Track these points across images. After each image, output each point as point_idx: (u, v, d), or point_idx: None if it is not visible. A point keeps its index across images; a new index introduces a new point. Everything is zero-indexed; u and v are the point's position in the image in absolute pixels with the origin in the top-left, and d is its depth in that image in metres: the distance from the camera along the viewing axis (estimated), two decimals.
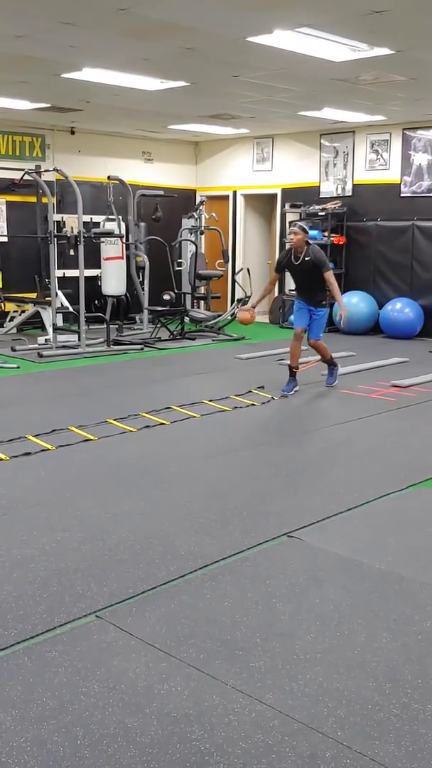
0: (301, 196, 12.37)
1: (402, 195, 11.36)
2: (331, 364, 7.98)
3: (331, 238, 11.66)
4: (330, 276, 7.47)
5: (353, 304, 11.41)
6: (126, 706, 2.61)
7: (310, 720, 2.54)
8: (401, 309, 11.06)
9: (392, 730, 2.49)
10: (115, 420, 6.31)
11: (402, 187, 11.35)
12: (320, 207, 11.80)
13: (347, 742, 2.43)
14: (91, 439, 5.79)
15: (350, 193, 11.95)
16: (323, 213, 11.70)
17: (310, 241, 7.58)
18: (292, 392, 7.47)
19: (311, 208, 11.92)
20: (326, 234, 11.67)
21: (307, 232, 7.54)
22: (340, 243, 11.82)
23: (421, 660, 2.90)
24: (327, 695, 2.68)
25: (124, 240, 11.23)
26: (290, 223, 8.61)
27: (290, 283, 12.74)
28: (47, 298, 10.47)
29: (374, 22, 5.72)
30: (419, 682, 2.76)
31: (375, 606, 3.32)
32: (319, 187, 12.33)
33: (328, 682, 2.76)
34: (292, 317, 12.28)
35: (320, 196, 12.22)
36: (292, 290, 12.56)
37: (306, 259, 7.46)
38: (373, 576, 3.61)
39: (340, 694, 2.68)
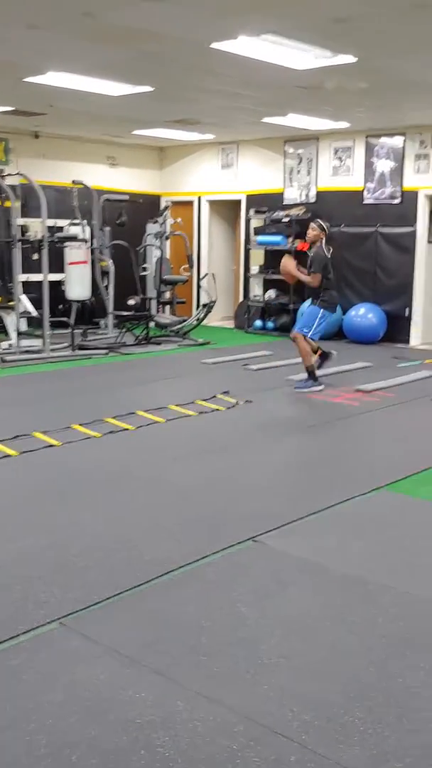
0: (265, 202, 12.43)
1: (365, 202, 11.48)
2: (310, 375, 7.97)
3: (296, 244, 11.72)
4: (313, 276, 7.91)
5: None
6: (90, 714, 2.59)
7: (274, 724, 2.54)
8: (365, 314, 11.16)
9: (356, 734, 2.50)
10: (79, 425, 6.26)
11: (365, 193, 11.47)
12: (284, 213, 11.87)
13: (312, 746, 2.43)
14: (55, 445, 5.74)
15: (314, 200, 12.04)
16: (287, 219, 11.77)
17: (323, 243, 8.03)
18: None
19: (276, 214, 11.98)
20: (290, 240, 11.74)
21: (324, 230, 8.02)
22: (304, 249, 11.87)
23: (385, 663, 2.92)
24: (291, 699, 2.68)
25: (88, 244, 11.18)
26: (313, 218, 9.18)
27: (255, 289, 12.86)
28: (11, 303, 10.37)
29: (337, 29, 5.79)
30: (383, 685, 2.77)
31: (339, 610, 3.33)
32: (283, 193, 12.40)
33: (292, 686, 2.76)
34: (257, 322, 12.41)
35: (284, 203, 12.30)
36: (257, 296, 12.68)
37: (309, 254, 8.11)
38: (338, 580, 3.62)
39: (304, 698, 2.69)
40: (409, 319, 11.17)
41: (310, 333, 7.97)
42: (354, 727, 2.53)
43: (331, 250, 8.13)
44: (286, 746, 2.43)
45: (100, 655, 2.94)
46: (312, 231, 8.01)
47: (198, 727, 2.52)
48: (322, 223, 8.09)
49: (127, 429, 6.24)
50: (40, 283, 10.02)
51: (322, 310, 7.98)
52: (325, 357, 8.25)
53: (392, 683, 2.78)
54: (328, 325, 11.20)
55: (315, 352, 8.11)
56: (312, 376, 7.98)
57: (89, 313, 11.78)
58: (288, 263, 8.23)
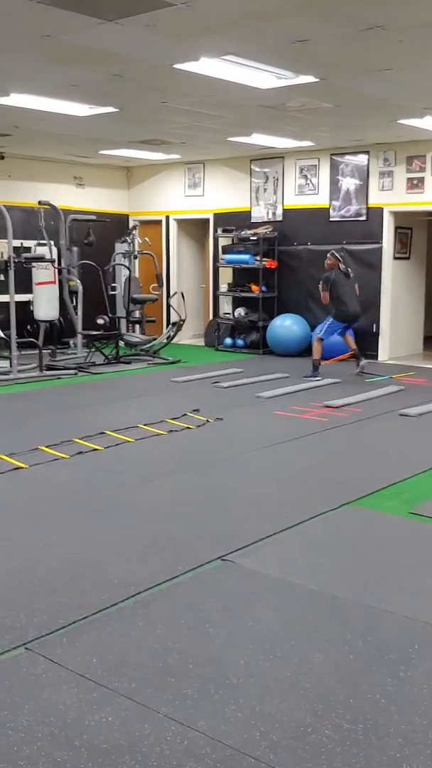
0: (233, 221, 12.51)
1: (331, 219, 11.59)
2: (315, 367, 9.76)
3: (263, 263, 11.80)
4: (323, 294, 9.73)
5: (286, 326, 11.58)
6: (55, 740, 2.55)
7: (242, 745, 2.52)
8: None
9: (324, 752, 2.49)
10: (47, 447, 6.21)
11: (331, 211, 11.59)
12: (252, 232, 11.94)
13: (279, 765, 2.42)
14: (22, 467, 5.68)
15: (281, 218, 12.14)
16: (255, 237, 11.84)
17: (340, 266, 9.79)
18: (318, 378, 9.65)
19: (243, 232, 12.06)
20: (258, 258, 11.81)
21: (337, 260, 9.82)
22: (272, 267, 11.97)
23: (353, 679, 2.91)
24: (259, 719, 2.66)
25: (55, 264, 11.15)
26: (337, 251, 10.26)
27: (224, 307, 12.90)
28: None
29: (298, 50, 5.86)
30: (351, 702, 2.77)
31: (307, 627, 3.33)
32: (250, 211, 12.48)
33: (260, 705, 2.74)
34: (227, 340, 12.44)
35: (252, 221, 12.38)
36: (227, 313, 12.73)
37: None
38: (306, 597, 3.62)
39: (272, 718, 2.67)
40: (377, 334, 11.26)
41: (320, 334, 9.90)
42: (322, 745, 2.52)
43: (349, 274, 9.87)
44: (254, 767, 2.41)
45: (66, 680, 2.90)
46: (328, 260, 9.84)
47: (165, 750, 2.49)
48: (336, 254, 9.87)
49: (96, 449, 6.21)
50: (7, 304, 9.96)
51: (332, 319, 9.83)
52: (357, 358, 10.02)
53: (360, 700, 2.78)
54: (297, 343, 11.43)
55: (353, 353, 10.13)
56: (315, 367, 9.75)
57: (58, 333, 11.74)
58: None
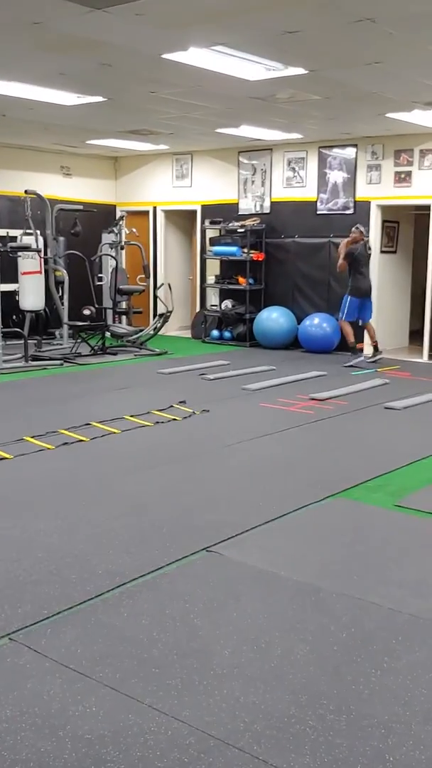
0: (220, 213, 12.47)
1: (318, 212, 11.58)
2: (352, 350, 10.25)
3: (251, 255, 11.78)
4: (341, 263, 10.22)
5: (273, 319, 11.58)
6: (39, 730, 2.55)
7: (226, 735, 2.52)
8: (319, 324, 11.24)
9: (308, 742, 2.50)
10: (32, 437, 6.19)
11: (318, 204, 11.58)
12: (239, 224, 11.92)
13: (263, 756, 2.43)
14: (7, 458, 5.66)
15: (268, 210, 12.12)
16: (242, 230, 11.82)
17: (363, 239, 10.20)
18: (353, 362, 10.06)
19: (231, 224, 12.03)
20: (245, 250, 11.79)
21: (362, 234, 10.15)
22: (260, 259, 11.96)
23: (337, 670, 2.93)
24: (243, 710, 2.67)
25: (41, 254, 11.09)
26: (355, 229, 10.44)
27: (212, 299, 12.88)
28: None
29: (287, 42, 5.84)
30: (335, 693, 2.78)
31: (292, 618, 3.34)
32: (238, 204, 12.46)
33: (244, 696, 2.75)
34: (214, 332, 12.42)
35: (239, 213, 12.35)
36: (214, 305, 12.70)
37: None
38: (291, 588, 3.63)
39: (256, 708, 2.68)
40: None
41: (344, 316, 10.30)
42: (306, 736, 2.53)
43: (369, 250, 10.34)
44: (238, 757, 2.42)
45: (50, 670, 2.90)
46: (353, 234, 10.17)
47: (149, 740, 2.50)
48: (362, 228, 10.20)
49: (81, 440, 6.19)
50: None
51: (349, 297, 10.19)
52: (355, 351, 10.38)
53: (344, 690, 2.79)
54: (284, 336, 11.43)
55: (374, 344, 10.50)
56: (353, 351, 10.29)
57: (44, 324, 11.68)
58: (341, 247, 10.32)
